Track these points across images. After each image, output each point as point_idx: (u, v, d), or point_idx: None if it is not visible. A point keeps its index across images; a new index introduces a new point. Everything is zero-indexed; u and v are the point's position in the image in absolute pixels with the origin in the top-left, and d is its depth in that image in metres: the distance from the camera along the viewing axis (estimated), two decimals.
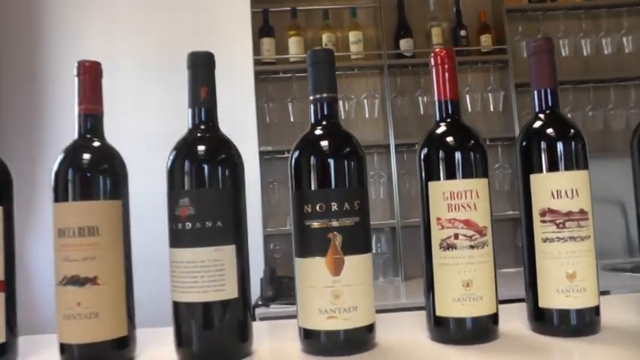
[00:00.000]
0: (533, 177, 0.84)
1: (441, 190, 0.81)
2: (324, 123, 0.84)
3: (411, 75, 3.03)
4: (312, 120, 0.85)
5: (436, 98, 0.87)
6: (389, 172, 2.90)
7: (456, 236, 0.80)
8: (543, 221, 0.82)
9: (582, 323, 0.82)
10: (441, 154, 0.83)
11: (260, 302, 2.43)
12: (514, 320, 0.89)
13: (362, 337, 0.80)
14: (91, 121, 0.88)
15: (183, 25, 2.89)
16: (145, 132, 2.72)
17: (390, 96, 2.89)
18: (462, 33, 2.97)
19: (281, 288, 2.49)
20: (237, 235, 0.81)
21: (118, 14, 2.93)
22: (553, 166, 0.83)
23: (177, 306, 0.80)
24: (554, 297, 0.82)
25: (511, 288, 1.35)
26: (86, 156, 0.85)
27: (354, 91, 2.98)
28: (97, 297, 0.80)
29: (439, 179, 0.82)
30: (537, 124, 0.87)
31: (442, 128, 0.86)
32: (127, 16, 2.93)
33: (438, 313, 0.82)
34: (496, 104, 2.99)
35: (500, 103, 2.99)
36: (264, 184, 2.84)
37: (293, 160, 0.83)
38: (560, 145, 0.83)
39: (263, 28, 2.91)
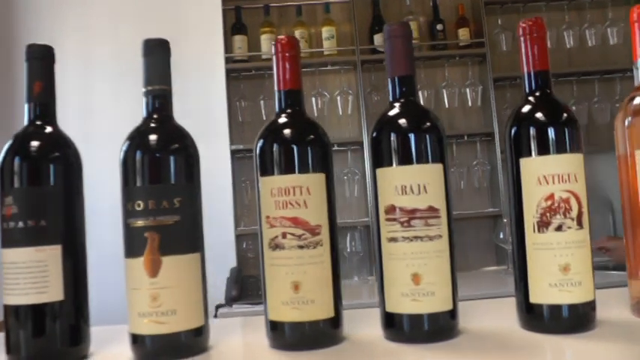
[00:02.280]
0: (380, 171, 0.77)
1: (269, 186, 0.75)
2: (155, 116, 0.80)
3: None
4: (145, 113, 0.80)
5: (276, 89, 0.81)
6: (363, 170, 2.84)
7: (284, 235, 0.74)
8: (388, 219, 0.75)
9: (434, 328, 0.75)
10: (275, 147, 0.77)
11: (224, 302, 2.39)
12: (374, 326, 0.82)
13: (187, 341, 0.75)
14: None
15: (154, 22, 2.87)
16: (121, 130, 2.70)
17: (364, 92, 2.82)
18: (439, 27, 2.89)
19: (246, 287, 2.45)
20: (65, 235, 0.78)
21: (91, 12, 2.93)
22: (403, 160, 0.76)
23: (5, 309, 0.76)
24: (399, 301, 0.75)
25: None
26: None
27: (327, 87, 2.91)
28: None
29: (272, 174, 0.76)
30: (391, 113, 0.80)
31: (282, 120, 0.80)
32: (101, 13, 2.92)
33: (269, 317, 0.76)
34: (474, 99, 2.89)
35: (478, 98, 2.90)
36: (236, 182, 2.80)
37: (121, 155, 0.78)
38: (411, 137, 0.76)
39: (235, 25, 2.87)
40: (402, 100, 0.80)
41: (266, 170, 0.76)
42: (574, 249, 0.75)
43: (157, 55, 0.80)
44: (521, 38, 0.83)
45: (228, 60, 2.79)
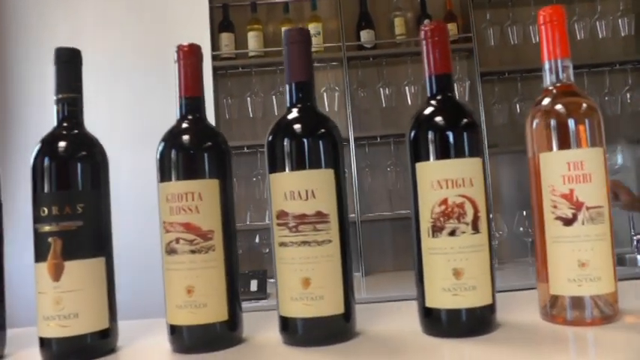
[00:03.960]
0: (272, 177, 0.78)
1: (165, 192, 0.77)
2: (65, 124, 0.82)
3: (373, 67, 2.96)
4: (56, 121, 0.82)
5: (177, 95, 0.83)
6: (349, 166, 2.85)
7: (177, 240, 0.76)
8: (279, 224, 0.77)
9: (326, 331, 0.76)
10: (172, 153, 0.78)
11: None
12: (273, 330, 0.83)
13: (92, 343, 0.78)
14: None
15: (143, 21, 2.90)
16: (111, 128, 2.74)
17: (350, 89, 2.83)
18: (426, 22, 2.86)
19: None
20: None
21: (82, 12, 2.96)
22: (294, 166, 0.77)
23: None
24: (291, 305, 0.76)
25: None
26: None
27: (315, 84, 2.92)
28: None
29: (168, 180, 0.78)
30: (287, 118, 0.81)
31: (182, 126, 0.81)
32: (92, 13, 2.96)
33: (168, 321, 0.78)
34: (462, 94, 2.88)
35: (466, 93, 2.88)
36: None
37: (31, 162, 0.80)
38: (301, 143, 0.77)
39: (222, 22, 2.89)
40: (299, 106, 0.81)
41: (163, 176, 0.78)
42: (468, 253, 0.76)
43: (68, 63, 0.82)
44: (423, 42, 0.83)
45: (215, 57, 2.81)
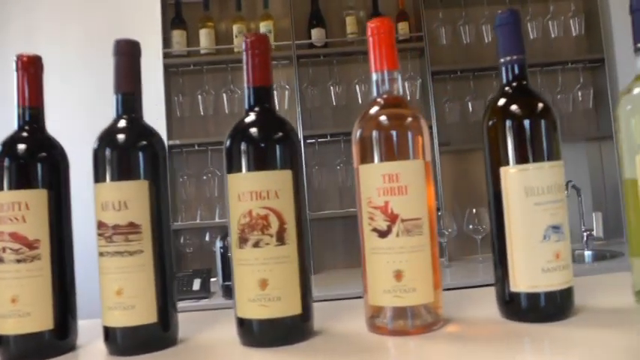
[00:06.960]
0: (94, 187, 0.80)
1: None
2: None
3: (324, 65, 2.98)
4: None
5: (16, 104, 0.85)
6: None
7: (4, 249, 0.79)
8: (98, 234, 0.79)
9: (140, 340, 0.79)
10: (5, 162, 0.81)
11: None
12: None
13: None
14: None
15: (97, 18, 2.92)
16: (68, 125, 2.77)
17: (300, 87, 2.85)
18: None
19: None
20: None
21: (36, 12, 2.98)
22: (111, 176, 0.79)
23: None
24: (107, 314, 0.79)
25: None
26: None
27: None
28: None
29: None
30: (112, 129, 0.83)
31: (18, 136, 0.84)
32: (48, 9, 2.97)
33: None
34: (413, 92, 2.90)
35: (417, 91, 2.90)
36: (175, 177, 2.86)
37: None
38: (120, 154, 0.80)
39: (174, 19, 2.91)
40: (124, 117, 0.83)
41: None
42: (273, 265, 0.77)
43: None
44: (244, 53, 0.85)
45: (166, 55, 2.83)
